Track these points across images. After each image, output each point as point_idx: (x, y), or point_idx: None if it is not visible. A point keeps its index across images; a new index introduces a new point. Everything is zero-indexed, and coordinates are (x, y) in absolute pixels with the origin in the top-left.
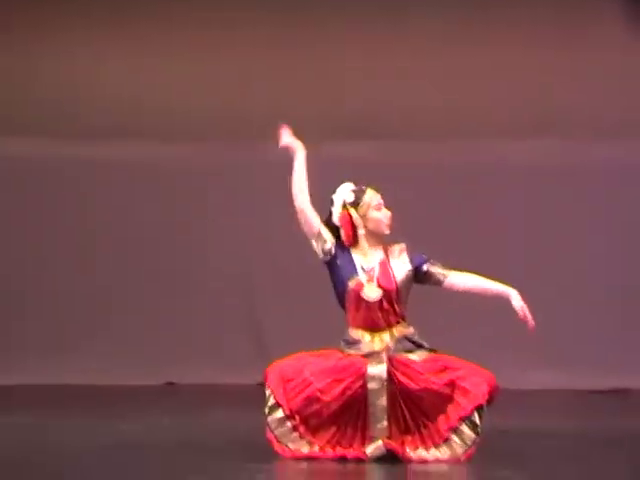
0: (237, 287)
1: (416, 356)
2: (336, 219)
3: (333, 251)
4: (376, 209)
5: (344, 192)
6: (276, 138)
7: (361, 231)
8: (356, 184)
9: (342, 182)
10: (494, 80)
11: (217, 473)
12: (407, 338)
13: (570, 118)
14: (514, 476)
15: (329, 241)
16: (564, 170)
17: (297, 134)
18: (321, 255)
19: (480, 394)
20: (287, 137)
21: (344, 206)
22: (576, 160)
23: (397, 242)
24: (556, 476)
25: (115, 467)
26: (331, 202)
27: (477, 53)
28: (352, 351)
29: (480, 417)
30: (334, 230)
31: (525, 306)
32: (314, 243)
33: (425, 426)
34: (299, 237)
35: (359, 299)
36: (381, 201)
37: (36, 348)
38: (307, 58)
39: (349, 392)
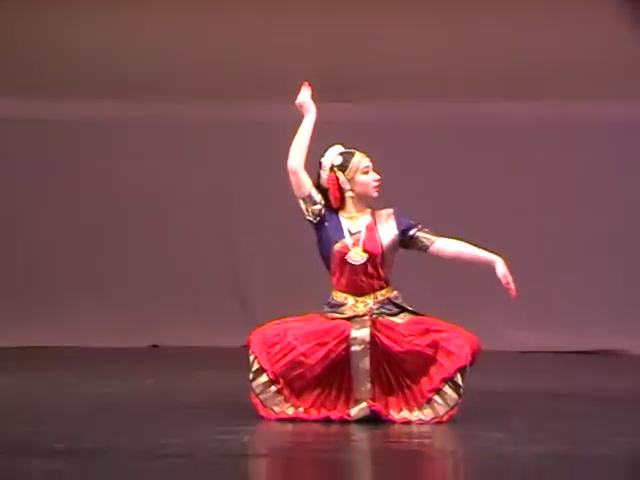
0: (221, 250)
1: (399, 319)
2: (324, 182)
3: (322, 212)
4: (363, 172)
5: (332, 155)
6: (289, 94)
7: (348, 194)
8: (345, 146)
9: (329, 144)
10: (478, 40)
11: (202, 435)
12: (391, 301)
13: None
14: (498, 435)
15: (318, 203)
16: (554, 130)
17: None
18: (310, 217)
19: (463, 356)
20: (305, 96)
21: (332, 169)
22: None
23: (386, 207)
24: (540, 435)
25: (98, 427)
26: (319, 165)
27: (463, 11)
28: (335, 314)
29: (463, 378)
30: (323, 193)
31: (509, 274)
32: (303, 205)
33: (408, 387)
34: (285, 200)
35: (344, 262)
36: (369, 164)
37: (19, 310)
38: (296, 19)
39: (332, 355)
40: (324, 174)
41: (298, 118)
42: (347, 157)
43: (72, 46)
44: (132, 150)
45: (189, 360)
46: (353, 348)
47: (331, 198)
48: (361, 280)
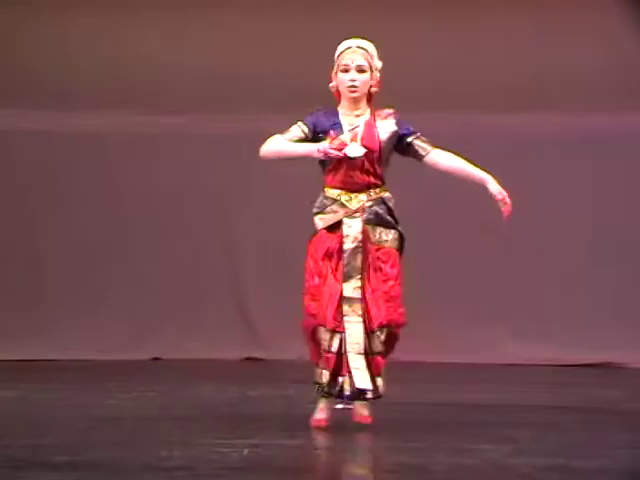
0: (223, 263)
1: (387, 238)
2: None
3: (309, 134)
4: (342, 70)
5: (340, 45)
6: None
7: (333, 88)
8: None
9: None
10: (479, 52)
11: (202, 448)
12: (384, 201)
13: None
14: (499, 447)
15: (305, 126)
16: (554, 142)
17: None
18: (308, 134)
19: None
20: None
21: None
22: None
23: (387, 106)
24: (541, 447)
25: (99, 440)
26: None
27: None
28: (327, 215)
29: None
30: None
31: (503, 191)
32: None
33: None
34: (288, 212)
35: (341, 158)
36: (351, 63)
37: (21, 323)
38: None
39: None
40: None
41: None
42: (339, 51)
43: (72, 58)
44: (133, 162)
45: (190, 372)
46: (346, 246)
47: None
48: (357, 176)
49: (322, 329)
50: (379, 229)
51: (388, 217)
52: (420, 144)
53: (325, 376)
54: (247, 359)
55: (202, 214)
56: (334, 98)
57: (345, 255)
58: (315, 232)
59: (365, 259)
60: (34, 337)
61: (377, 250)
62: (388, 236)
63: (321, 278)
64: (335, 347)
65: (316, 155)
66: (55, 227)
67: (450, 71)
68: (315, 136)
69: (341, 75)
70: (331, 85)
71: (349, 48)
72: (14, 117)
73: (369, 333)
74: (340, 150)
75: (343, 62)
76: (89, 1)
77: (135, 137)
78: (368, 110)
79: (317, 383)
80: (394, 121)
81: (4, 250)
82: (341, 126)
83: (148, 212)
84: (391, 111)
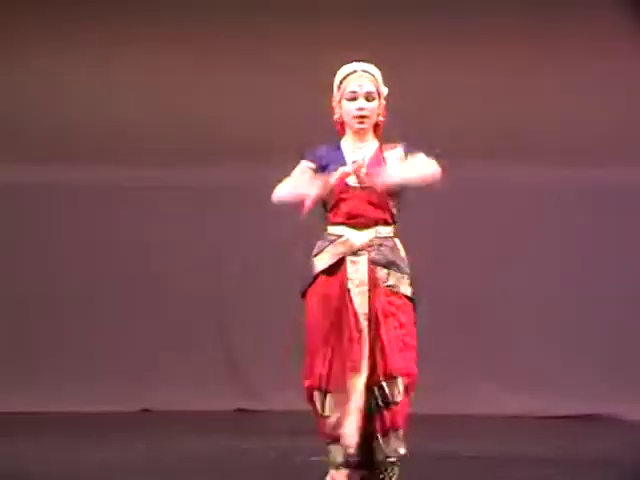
0: (212, 314)
1: (398, 283)
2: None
3: (317, 161)
4: (348, 98)
5: (342, 69)
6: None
7: (337, 118)
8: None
9: None
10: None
11: None
12: (394, 243)
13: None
14: None
15: (311, 162)
16: (545, 193)
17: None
18: (316, 169)
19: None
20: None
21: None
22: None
23: (397, 142)
24: None
25: None
26: None
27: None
28: (328, 254)
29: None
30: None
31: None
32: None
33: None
34: (278, 264)
35: (345, 188)
36: (357, 90)
37: (6, 375)
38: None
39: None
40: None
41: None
42: (342, 76)
43: (60, 109)
44: (119, 214)
45: (181, 424)
46: (351, 290)
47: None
48: (363, 208)
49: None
50: (389, 271)
51: (399, 260)
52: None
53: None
54: (238, 410)
55: (192, 266)
56: (336, 132)
57: (350, 300)
58: (312, 280)
59: (373, 304)
60: (20, 389)
61: (388, 295)
62: (400, 281)
63: (322, 335)
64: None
65: (329, 187)
66: (39, 279)
67: (457, 119)
68: (322, 171)
69: (347, 104)
70: (336, 117)
71: (354, 72)
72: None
73: (384, 383)
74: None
75: (349, 89)
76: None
77: (121, 190)
78: (376, 142)
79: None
80: (402, 149)
81: None
82: (345, 160)
83: (136, 264)
84: (399, 144)
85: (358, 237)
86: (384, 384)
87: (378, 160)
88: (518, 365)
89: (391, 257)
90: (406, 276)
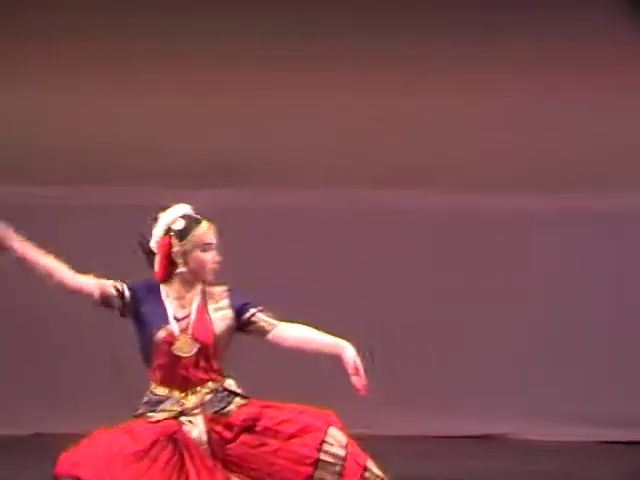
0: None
1: (232, 406)
2: (154, 244)
3: (128, 299)
4: (203, 250)
5: (173, 215)
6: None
7: (180, 269)
8: (194, 211)
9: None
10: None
11: None
12: (225, 389)
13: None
14: None
15: (117, 292)
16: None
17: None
18: (118, 311)
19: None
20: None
21: (167, 232)
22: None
23: (219, 284)
24: None
25: None
26: (154, 219)
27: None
28: (159, 414)
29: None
30: (148, 255)
31: (359, 361)
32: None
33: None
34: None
35: (170, 354)
36: (213, 241)
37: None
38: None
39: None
40: (157, 235)
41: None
42: (190, 225)
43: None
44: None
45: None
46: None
47: (157, 267)
48: (190, 374)
49: None
50: (230, 408)
51: (229, 399)
52: (264, 318)
53: None
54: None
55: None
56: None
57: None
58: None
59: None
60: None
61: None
62: (232, 406)
63: None
64: None
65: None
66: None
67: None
68: (126, 304)
69: (202, 255)
70: (161, 254)
71: (205, 223)
72: None
73: None
74: (169, 344)
75: (207, 241)
76: None
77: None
78: (199, 288)
79: None
80: (228, 302)
81: None
82: (166, 312)
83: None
84: (224, 288)
85: (189, 397)
86: None
87: (203, 317)
88: (404, 384)
89: (221, 401)
90: (236, 398)
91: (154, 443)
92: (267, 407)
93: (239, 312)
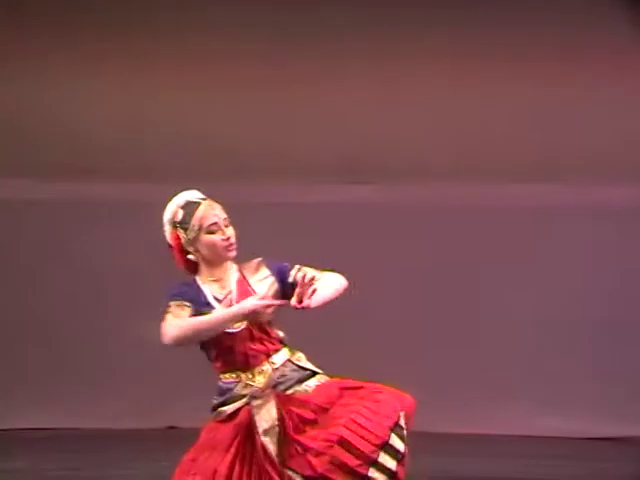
0: None
1: (306, 387)
2: (168, 239)
3: (189, 299)
4: (209, 231)
5: (173, 206)
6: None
7: (193, 257)
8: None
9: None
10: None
11: None
12: (293, 364)
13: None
14: None
15: (185, 300)
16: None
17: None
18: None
19: (390, 412)
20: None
21: (174, 225)
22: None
23: (251, 259)
24: None
25: None
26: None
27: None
28: (230, 405)
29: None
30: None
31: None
32: None
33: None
34: None
35: (222, 334)
36: (218, 219)
37: (35, 392)
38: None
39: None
40: (167, 231)
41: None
42: (189, 211)
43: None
44: (121, 230)
45: None
46: (263, 438)
47: (176, 261)
48: (249, 348)
49: None
50: (298, 386)
51: (304, 374)
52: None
53: None
54: None
55: None
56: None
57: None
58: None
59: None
60: (45, 405)
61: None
62: (309, 384)
63: None
64: None
65: (247, 312)
66: (56, 294)
67: (463, 142)
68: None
69: (208, 237)
70: (176, 249)
71: (205, 204)
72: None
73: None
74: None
75: (209, 222)
76: None
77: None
78: (234, 267)
79: None
80: (267, 271)
81: (14, 316)
82: (206, 298)
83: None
84: (260, 259)
85: (256, 377)
86: None
87: (244, 288)
88: (549, 386)
89: (293, 376)
90: (311, 378)
91: (237, 446)
92: (346, 388)
93: (281, 278)
